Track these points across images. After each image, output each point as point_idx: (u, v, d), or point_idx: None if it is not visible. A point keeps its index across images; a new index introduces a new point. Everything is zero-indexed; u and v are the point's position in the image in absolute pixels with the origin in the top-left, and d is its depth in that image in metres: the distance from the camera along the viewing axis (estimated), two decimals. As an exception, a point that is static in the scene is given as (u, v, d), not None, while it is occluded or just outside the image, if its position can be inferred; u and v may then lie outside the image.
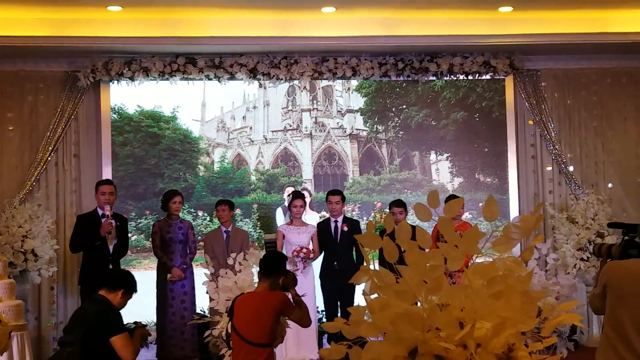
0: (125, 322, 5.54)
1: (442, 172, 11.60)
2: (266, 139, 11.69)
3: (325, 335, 9.66)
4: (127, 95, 10.78)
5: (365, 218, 11.14)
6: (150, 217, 10.98)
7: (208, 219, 11.06)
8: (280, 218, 10.72)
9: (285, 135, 11.65)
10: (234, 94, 11.57)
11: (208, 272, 7.08)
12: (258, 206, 11.34)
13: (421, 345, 2.38)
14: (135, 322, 6.75)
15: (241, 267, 6.51)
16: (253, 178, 11.60)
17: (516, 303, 2.39)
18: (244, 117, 11.78)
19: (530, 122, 10.64)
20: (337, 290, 9.45)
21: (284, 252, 9.11)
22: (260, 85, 11.41)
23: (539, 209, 2.80)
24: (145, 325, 6.35)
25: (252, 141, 11.71)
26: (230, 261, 6.83)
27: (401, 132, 11.60)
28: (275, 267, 6.08)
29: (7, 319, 4.84)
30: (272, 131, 11.71)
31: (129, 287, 5.56)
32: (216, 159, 11.54)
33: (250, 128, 11.72)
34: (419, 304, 2.51)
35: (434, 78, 10.66)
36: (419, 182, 11.49)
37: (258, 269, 6.30)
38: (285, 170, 11.64)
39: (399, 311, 2.40)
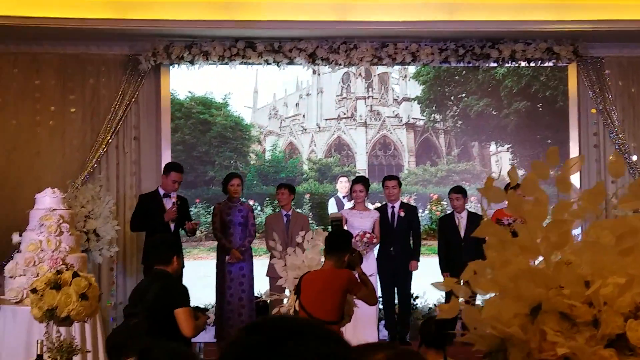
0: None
1: (502, 163, 11.30)
2: (319, 127, 11.52)
3: (383, 322, 9.62)
4: (178, 81, 10.68)
5: (420, 210, 10.93)
6: (200, 205, 10.97)
7: (259, 208, 10.98)
8: (333, 209, 10.52)
9: (339, 123, 11.47)
10: (286, 81, 11.41)
11: (276, 251, 7.08)
12: (310, 196, 11.18)
13: (545, 303, 2.32)
14: (196, 307, 6.77)
15: (309, 246, 6.50)
16: (305, 167, 11.45)
17: (645, 261, 2.32)
18: (296, 105, 11.63)
19: (593, 111, 10.46)
20: (394, 276, 9.42)
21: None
22: (314, 72, 11.22)
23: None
24: (206, 310, 6.38)
25: (305, 129, 11.54)
26: (298, 239, 6.84)
27: (460, 122, 11.34)
28: (341, 244, 6.07)
29: (95, 284, 4.88)
30: (326, 119, 11.53)
31: (175, 248, 5.62)
32: (268, 147, 11.41)
33: (303, 116, 11.57)
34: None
35: (495, 64, 10.49)
36: (477, 174, 11.19)
37: (323, 247, 6.29)
38: (339, 159, 11.46)
39: (522, 267, 2.34)
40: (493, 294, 2.48)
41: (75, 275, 4.68)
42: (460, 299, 2.58)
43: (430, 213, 11.31)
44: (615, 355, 2.27)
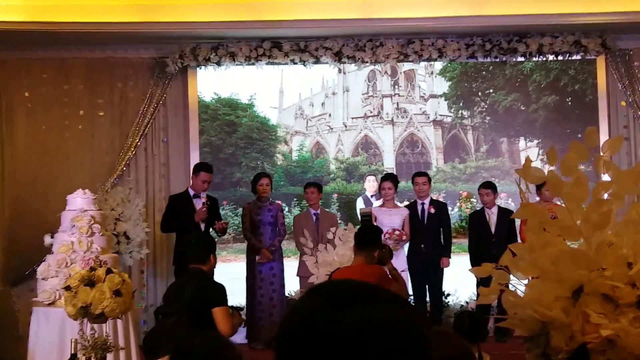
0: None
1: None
2: (346, 126, 11.44)
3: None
4: (204, 83, 10.65)
5: (450, 208, 10.77)
6: (228, 207, 10.95)
7: (287, 208, 10.92)
8: (361, 208, 10.50)
9: (365, 122, 11.37)
10: (312, 80, 11.34)
11: (307, 247, 7.06)
12: (338, 196, 11.08)
13: (587, 284, 2.28)
14: (231, 306, 6.77)
15: (340, 243, 6.48)
16: (332, 167, 11.38)
17: (688, 241, 2.28)
18: (322, 104, 11.56)
19: (623, 104, 10.34)
20: (425, 273, 9.37)
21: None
22: (340, 71, 11.13)
23: None
24: (241, 309, 6.38)
25: (332, 129, 11.48)
26: (329, 235, 6.82)
27: (488, 118, 11.22)
28: (371, 239, 6.01)
29: (129, 280, 4.89)
30: (352, 118, 11.44)
31: (212, 246, 5.61)
32: (294, 148, 11.35)
33: (330, 115, 11.49)
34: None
35: (523, 59, 10.38)
36: (507, 170, 11.02)
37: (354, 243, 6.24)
38: (366, 158, 11.36)
39: (563, 249, 2.30)
40: (533, 278, 2.45)
41: (108, 271, 4.70)
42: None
43: (459, 210, 11.18)
44: (661, 336, 2.23)
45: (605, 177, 2.48)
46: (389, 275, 5.95)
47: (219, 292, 5.38)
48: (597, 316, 2.24)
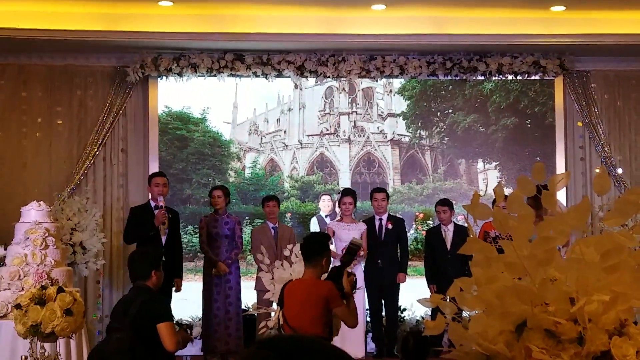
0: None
1: (490, 181, 10.98)
2: (301, 143, 11.09)
3: (370, 334, 9.61)
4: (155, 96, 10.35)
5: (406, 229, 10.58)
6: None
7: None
8: (315, 228, 10.09)
9: (321, 140, 11.06)
10: (267, 96, 11.05)
11: (264, 264, 7.02)
12: (291, 215, 10.78)
13: (531, 319, 2.32)
14: (179, 323, 6.74)
15: (297, 260, 6.46)
16: (287, 185, 11.06)
17: (629, 278, 2.33)
18: (277, 120, 11.17)
19: (580, 124, 10.52)
20: (381, 288, 9.44)
21: (334, 249, 9.08)
22: (296, 87, 10.90)
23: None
24: (189, 328, 6.30)
25: (286, 146, 11.09)
26: (286, 252, 6.80)
27: (446, 139, 11.08)
28: (315, 250, 5.79)
29: (80, 299, 4.85)
30: (308, 135, 11.10)
31: (155, 263, 5.54)
32: (247, 164, 11.00)
33: (285, 132, 11.10)
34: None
35: (483, 78, 10.50)
36: (464, 192, 10.86)
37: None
38: (321, 177, 11.07)
39: (507, 284, 2.34)
40: (479, 311, 2.48)
41: (60, 290, 4.65)
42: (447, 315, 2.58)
43: (415, 232, 11.07)
44: (600, 373, 2.28)
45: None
46: (339, 296, 5.67)
47: (164, 308, 5.37)
48: (539, 351, 2.28)
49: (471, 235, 2.42)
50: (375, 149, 11.13)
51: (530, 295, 2.33)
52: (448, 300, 2.59)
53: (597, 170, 10.38)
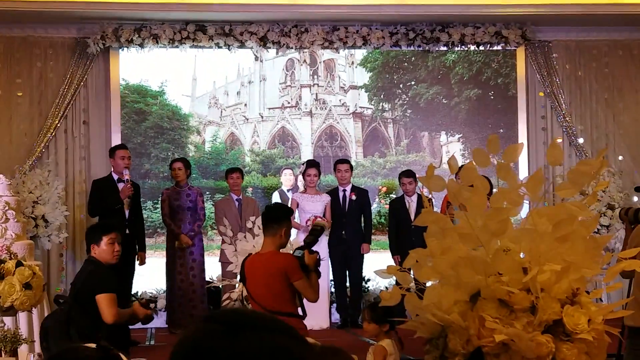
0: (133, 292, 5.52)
1: (453, 154, 10.89)
2: (262, 116, 10.85)
3: (334, 305, 9.68)
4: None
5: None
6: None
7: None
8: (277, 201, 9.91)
9: (283, 113, 10.85)
10: (227, 68, 10.78)
11: (227, 236, 7.03)
12: (253, 189, 10.57)
13: (484, 289, 2.36)
14: (141, 299, 6.69)
15: (259, 232, 6.46)
16: (247, 159, 10.82)
17: (581, 247, 2.37)
18: (238, 93, 10.92)
19: (541, 94, 10.60)
20: (345, 259, 9.49)
21: (298, 221, 9.10)
22: (257, 59, 10.71)
23: (603, 153, 2.78)
24: (150, 302, 6.23)
25: (247, 119, 10.87)
26: (249, 224, 6.80)
27: (409, 111, 10.97)
28: (276, 216, 5.56)
29: (40, 273, 4.83)
30: (269, 108, 10.90)
31: (94, 235, 5.56)
32: (207, 138, 10.81)
33: (245, 105, 10.86)
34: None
35: (445, 48, 10.52)
36: (427, 165, 10.81)
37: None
38: (283, 151, 10.89)
39: (461, 255, 2.37)
40: (434, 282, 2.52)
41: (19, 264, 4.62)
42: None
43: (379, 206, 11.01)
44: (552, 341, 2.32)
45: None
46: (299, 269, 5.41)
47: (105, 279, 5.36)
48: (492, 321, 2.32)
49: (426, 207, 2.44)
50: (338, 122, 10.99)
51: (484, 265, 2.36)
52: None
53: (560, 141, 10.50)
